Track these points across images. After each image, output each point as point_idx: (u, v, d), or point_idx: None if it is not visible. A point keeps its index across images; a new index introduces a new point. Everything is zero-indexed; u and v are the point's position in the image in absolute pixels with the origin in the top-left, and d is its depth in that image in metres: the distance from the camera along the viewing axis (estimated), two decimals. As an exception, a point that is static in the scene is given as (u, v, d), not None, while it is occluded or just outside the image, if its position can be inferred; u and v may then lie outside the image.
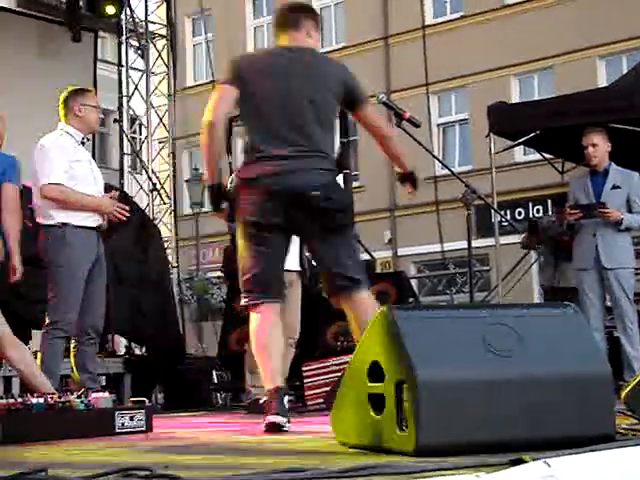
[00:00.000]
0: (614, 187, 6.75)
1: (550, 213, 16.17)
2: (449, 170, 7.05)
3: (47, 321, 5.41)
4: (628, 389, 3.70)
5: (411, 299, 8.61)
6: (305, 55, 4.40)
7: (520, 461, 2.22)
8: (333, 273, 4.31)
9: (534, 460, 2.21)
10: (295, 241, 6.48)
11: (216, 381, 9.67)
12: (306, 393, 6.79)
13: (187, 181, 22.55)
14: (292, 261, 6.49)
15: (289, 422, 4.12)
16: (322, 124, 4.31)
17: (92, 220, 5.51)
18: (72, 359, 5.52)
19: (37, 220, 5.55)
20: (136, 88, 11.63)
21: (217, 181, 4.28)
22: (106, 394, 4.57)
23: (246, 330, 4.39)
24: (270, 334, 4.27)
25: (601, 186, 6.78)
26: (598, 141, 6.76)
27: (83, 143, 5.63)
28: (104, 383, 7.76)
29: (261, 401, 6.32)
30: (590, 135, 6.79)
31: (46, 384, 4.70)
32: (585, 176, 6.99)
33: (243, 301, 4.33)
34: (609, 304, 6.98)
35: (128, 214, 5.73)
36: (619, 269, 6.65)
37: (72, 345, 5.51)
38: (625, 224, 6.65)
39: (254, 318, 4.30)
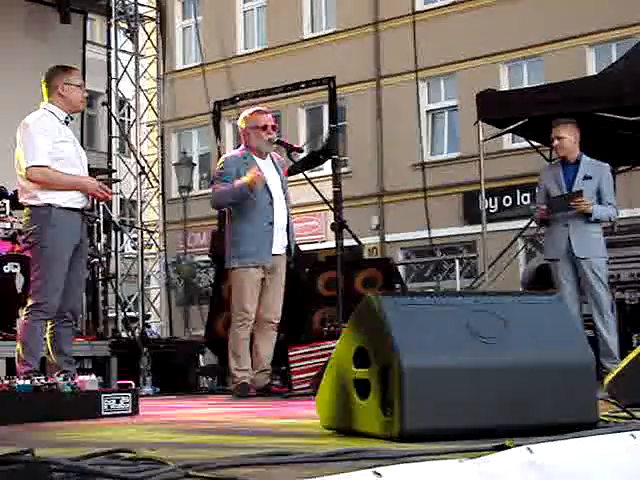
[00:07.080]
0: (585, 177, 6.75)
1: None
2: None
3: (29, 303, 5.33)
4: (611, 376, 3.74)
5: (398, 285, 8.63)
6: None
7: (503, 447, 2.24)
8: None
9: (517, 446, 2.23)
10: (282, 225, 6.52)
11: (203, 365, 9.68)
12: (292, 377, 6.80)
13: (175, 164, 22.51)
14: (278, 245, 6.50)
15: None
16: None
17: (77, 202, 5.46)
18: (48, 341, 5.42)
19: (21, 200, 5.48)
20: (125, 71, 11.55)
21: None
22: (92, 377, 4.57)
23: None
24: None
25: (572, 176, 6.79)
26: (565, 134, 6.76)
27: (67, 122, 5.50)
28: (90, 366, 7.75)
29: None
30: (557, 127, 6.79)
31: None
32: (557, 166, 6.99)
33: None
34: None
35: (111, 195, 5.71)
36: (592, 258, 6.67)
37: (48, 327, 5.41)
38: (595, 216, 6.67)
39: None
